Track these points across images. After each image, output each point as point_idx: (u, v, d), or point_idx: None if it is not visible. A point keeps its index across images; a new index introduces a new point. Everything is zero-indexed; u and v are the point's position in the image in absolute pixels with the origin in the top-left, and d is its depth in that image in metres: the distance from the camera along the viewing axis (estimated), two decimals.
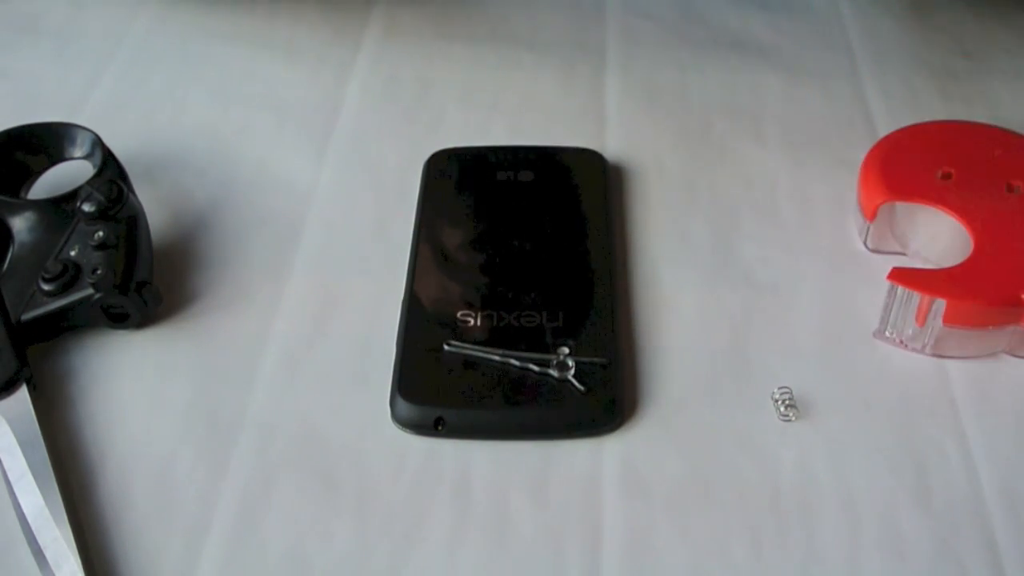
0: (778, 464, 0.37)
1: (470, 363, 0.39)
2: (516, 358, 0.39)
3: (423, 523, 0.36)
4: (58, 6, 0.59)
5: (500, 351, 0.39)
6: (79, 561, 0.34)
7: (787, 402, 0.39)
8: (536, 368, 0.39)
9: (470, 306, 0.41)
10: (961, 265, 0.40)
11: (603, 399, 0.38)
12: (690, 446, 0.38)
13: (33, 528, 0.35)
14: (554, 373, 0.38)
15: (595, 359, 0.39)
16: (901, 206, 0.44)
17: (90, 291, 0.40)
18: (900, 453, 0.38)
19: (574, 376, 0.38)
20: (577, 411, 0.38)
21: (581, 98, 0.53)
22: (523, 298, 0.41)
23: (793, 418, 0.39)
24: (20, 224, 0.43)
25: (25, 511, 0.35)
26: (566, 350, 0.39)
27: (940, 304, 0.39)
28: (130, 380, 0.40)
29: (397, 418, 0.38)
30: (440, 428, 0.38)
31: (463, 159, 0.48)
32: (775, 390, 0.39)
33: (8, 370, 0.38)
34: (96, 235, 0.41)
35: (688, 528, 0.36)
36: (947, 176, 0.43)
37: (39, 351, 0.41)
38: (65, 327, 0.41)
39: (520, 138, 0.49)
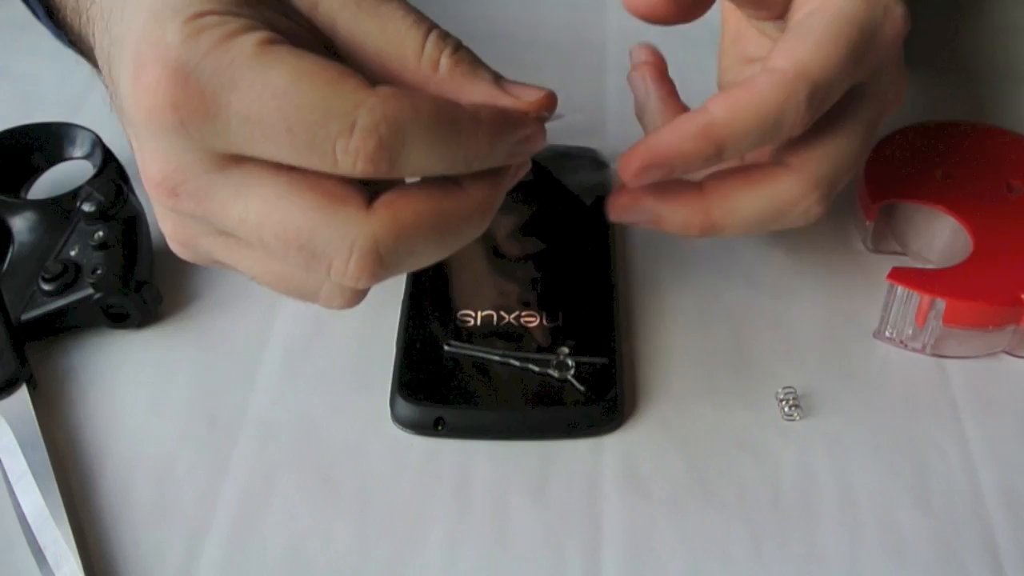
0: (778, 464, 0.37)
1: (470, 363, 0.39)
2: (516, 358, 0.39)
3: (423, 523, 0.36)
4: None
5: (500, 351, 0.39)
6: (79, 561, 0.34)
7: (791, 402, 0.39)
8: (536, 368, 0.39)
9: (470, 306, 0.41)
10: (961, 265, 0.40)
11: (603, 399, 0.38)
12: (690, 446, 0.38)
13: (33, 528, 0.35)
14: (554, 373, 0.38)
15: (595, 359, 0.39)
16: (901, 206, 0.44)
17: (90, 291, 0.40)
18: (900, 453, 0.38)
19: (574, 376, 0.38)
20: (577, 411, 0.38)
21: (581, 98, 0.53)
22: (523, 298, 0.41)
23: (797, 418, 0.39)
24: (20, 224, 0.43)
25: (25, 511, 0.35)
26: (566, 350, 0.39)
27: (940, 304, 0.39)
28: (130, 380, 0.40)
29: (397, 418, 0.38)
30: (440, 428, 0.38)
31: None
32: (779, 390, 0.39)
33: (8, 370, 0.39)
34: (96, 235, 0.41)
35: (688, 528, 0.36)
36: (947, 176, 0.43)
37: (39, 351, 0.41)
38: (65, 327, 0.41)
39: None
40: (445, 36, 0.31)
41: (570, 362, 0.39)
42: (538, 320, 0.40)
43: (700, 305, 0.43)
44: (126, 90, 0.29)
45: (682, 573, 0.35)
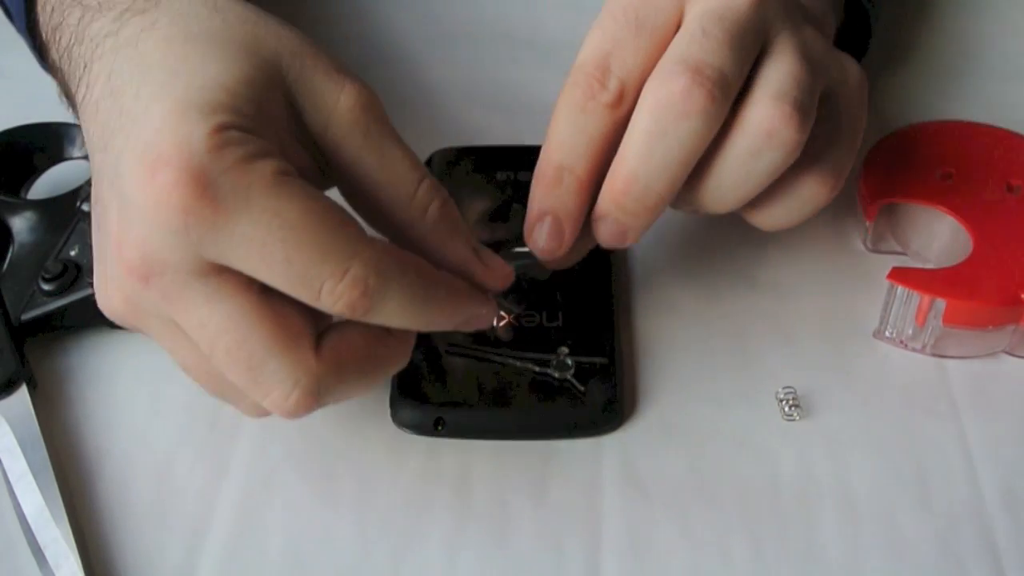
0: (778, 464, 0.37)
1: (470, 363, 0.39)
2: (516, 358, 0.39)
3: (423, 523, 0.36)
4: None
5: (500, 351, 0.39)
6: (79, 561, 0.34)
7: (791, 402, 0.39)
8: (536, 368, 0.39)
9: None
10: (961, 265, 0.40)
11: (603, 399, 0.38)
12: (690, 446, 0.38)
13: (33, 528, 0.35)
14: (554, 373, 0.38)
15: (594, 359, 0.39)
16: (901, 206, 0.44)
17: (90, 291, 0.39)
18: (900, 453, 0.38)
19: (574, 376, 0.38)
20: (577, 411, 0.38)
21: None
22: (522, 298, 0.41)
23: (797, 418, 0.39)
24: (20, 224, 0.43)
25: (25, 511, 0.35)
26: (565, 350, 0.39)
27: (940, 304, 0.39)
28: (130, 380, 0.40)
29: (397, 418, 0.38)
30: (440, 428, 0.38)
31: (463, 158, 0.48)
32: (779, 389, 0.39)
33: (8, 370, 0.39)
34: None
35: (688, 528, 0.36)
36: (947, 176, 0.43)
37: (39, 351, 0.41)
38: (65, 327, 0.41)
39: (520, 138, 0.49)
40: (437, 187, 0.33)
41: (569, 362, 0.39)
42: (538, 320, 0.40)
43: (700, 305, 0.43)
44: (131, 173, 0.29)
45: (682, 573, 0.35)
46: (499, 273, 0.35)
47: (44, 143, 0.46)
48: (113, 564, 0.35)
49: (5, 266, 0.42)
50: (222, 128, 0.29)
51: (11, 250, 0.42)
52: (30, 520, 0.35)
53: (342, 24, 0.57)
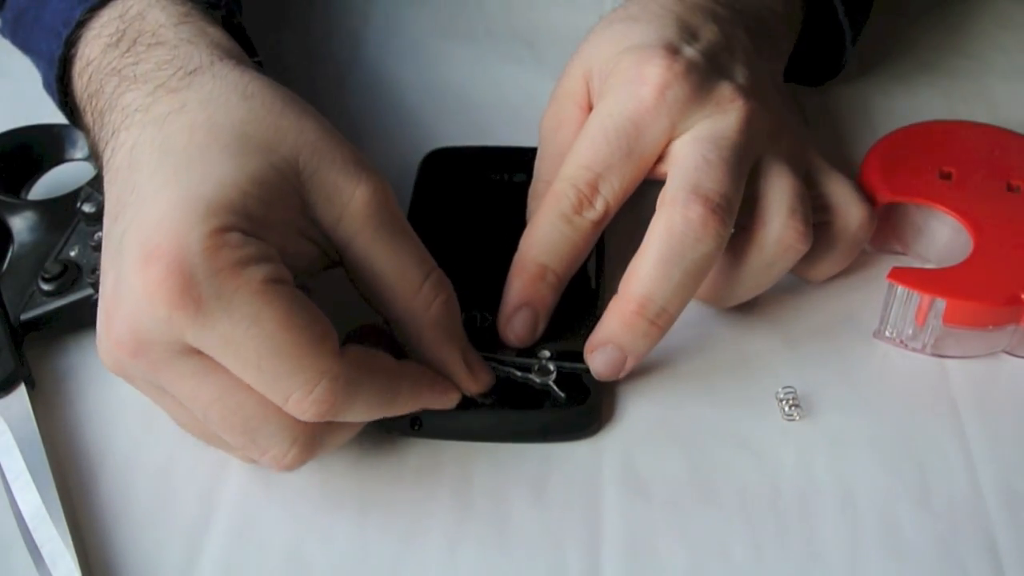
0: (778, 464, 0.37)
1: None
2: (497, 361, 0.38)
3: (422, 523, 0.36)
4: None
5: (482, 353, 0.38)
6: (75, 559, 0.34)
7: (791, 401, 0.39)
8: (518, 372, 0.38)
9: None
10: (961, 265, 0.40)
11: (581, 404, 0.38)
12: (690, 446, 0.38)
13: (30, 527, 0.35)
14: (535, 378, 0.38)
15: (576, 364, 0.38)
16: (901, 206, 0.43)
17: (90, 291, 0.40)
18: (900, 453, 0.38)
19: (555, 381, 0.38)
20: (553, 415, 0.38)
21: None
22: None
23: (798, 418, 0.39)
24: (20, 224, 0.43)
25: (22, 510, 0.35)
26: (547, 354, 0.39)
27: (940, 304, 0.39)
28: None
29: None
30: (416, 428, 0.37)
31: (457, 159, 0.47)
32: (779, 390, 0.39)
33: (6, 369, 0.39)
34: (96, 235, 0.41)
35: (688, 528, 0.36)
36: (947, 176, 0.43)
37: (38, 351, 0.41)
38: (65, 327, 0.41)
39: (520, 138, 0.49)
40: (442, 283, 0.35)
41: (551, 366, 0.38)
42: None
43: (699, 304, 0.42)
44: (129, 255, 0.31)
45: (682, 573, 0.35)
46: (480, 379, 0.37)
47: (45, 144, 0.46)
48: (112, 564, 0.35)
49: (5, 266, 0.42)
50: (222, 230, 0.30)
51: (11, 250, 0.42)
52: (27, 519, 0.35)
53: (342, 23, 0.57)
